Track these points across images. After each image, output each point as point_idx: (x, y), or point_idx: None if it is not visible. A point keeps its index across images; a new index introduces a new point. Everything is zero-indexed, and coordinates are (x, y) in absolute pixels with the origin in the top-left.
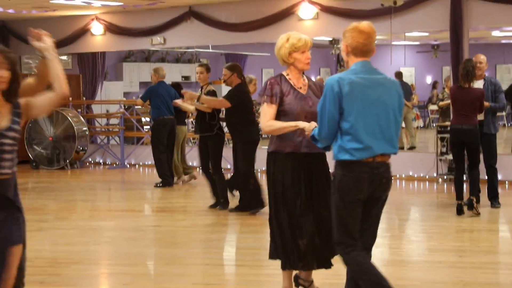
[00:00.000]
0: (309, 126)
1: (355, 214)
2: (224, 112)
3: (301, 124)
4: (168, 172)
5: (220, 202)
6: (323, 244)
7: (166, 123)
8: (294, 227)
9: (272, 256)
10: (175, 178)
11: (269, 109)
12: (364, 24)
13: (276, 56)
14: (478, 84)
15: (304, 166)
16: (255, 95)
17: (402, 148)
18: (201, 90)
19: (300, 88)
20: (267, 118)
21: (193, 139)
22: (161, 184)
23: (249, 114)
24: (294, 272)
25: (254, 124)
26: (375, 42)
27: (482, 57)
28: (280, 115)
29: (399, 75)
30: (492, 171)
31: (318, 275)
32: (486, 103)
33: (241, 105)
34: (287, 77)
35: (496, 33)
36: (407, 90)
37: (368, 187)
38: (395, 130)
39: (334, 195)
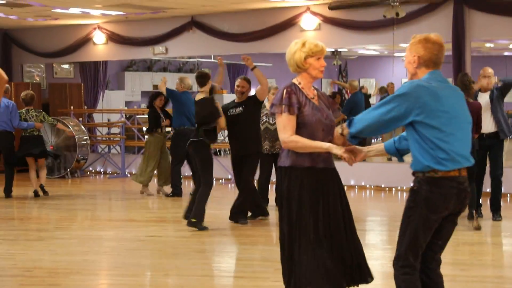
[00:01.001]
0: (341, 151)
1: (430, 232)
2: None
3: (334, 149)
4: (179, 182)
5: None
6: (350, 264)
7: (186, 134)
8: (316, 248)
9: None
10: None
11: (290, 121)
12: (435, 36)
13: (288, 62)
14: (485, 96)
15: (322, 181)
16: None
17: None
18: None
19: (313, 98)
20: (288, 131)
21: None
22: (171, 194)
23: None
24: None
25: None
26: (377, 53)
27: (490, 71)
28: (297, 128)
29: None
30: (496, 183)
31: None
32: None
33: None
34: (299, 86)
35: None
36: None
37: (454, 203)
38: (470, 142)
39: (414, 211)
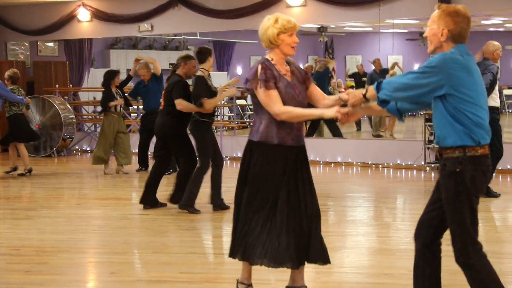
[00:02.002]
0: (333, 113)
1: (477, 214)
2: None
3: (327, 113)
4: (146, 158)
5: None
6: (308, 241)
7: (153, 116)
8: (271, 223)
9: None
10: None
11: (274, 94)
12: (464, 9)
13: (261, 38)
14: None
15: (288, 159)
16: None
17: (380, 136)
18: None
19: (285, 74)
20: (276, 103)
21: None
22: (139, 169)
23: None
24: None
25: None
26: (363, 29)
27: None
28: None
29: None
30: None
31: None
32: None
33: None
34: (272, 62)
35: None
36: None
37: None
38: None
39: (464, 194)
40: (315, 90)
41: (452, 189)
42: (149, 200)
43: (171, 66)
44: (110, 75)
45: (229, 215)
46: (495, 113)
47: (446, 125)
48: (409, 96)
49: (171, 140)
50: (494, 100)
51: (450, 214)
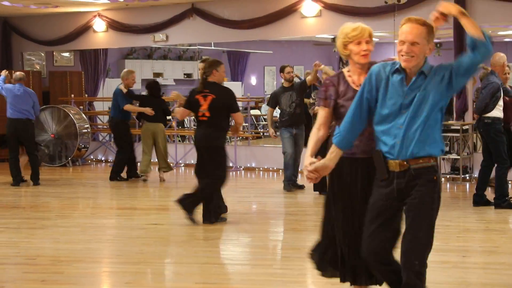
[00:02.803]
0: (308, 166)
1: None
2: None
3: (306, 160)
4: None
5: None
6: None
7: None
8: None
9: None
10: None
11: (322, 113)
12: None
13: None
14: None
15: (356, 172)
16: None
17: None
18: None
19: (358, 85)
20: (318, 123)
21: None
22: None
23: None
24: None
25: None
26: (378, 39)
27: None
28: (335, 119)
29: None
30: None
31: None
32: None
33: None
34: (346, 74)
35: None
36: None
37: None
38: None
39: (437, 202)
40: None
41: (433, 195)
42: (211, 215)
43: (185, 76)
44: (157, 85)
45: (243, 226)
46: (499, 124)
47: (437, 133)
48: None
49: (220, 152)
50: (499, 110)
51: (419, 219)
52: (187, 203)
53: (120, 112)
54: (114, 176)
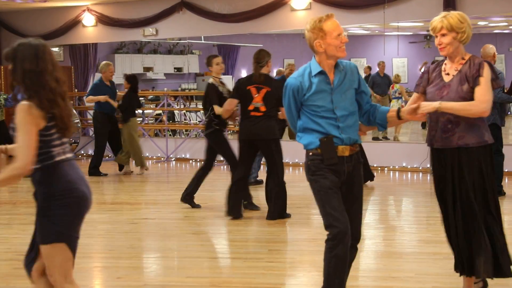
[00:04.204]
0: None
1: None
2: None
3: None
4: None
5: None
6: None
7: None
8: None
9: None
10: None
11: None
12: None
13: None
14: None
15: (441, 162)
16: None
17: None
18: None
19: (448, 74)
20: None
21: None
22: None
23: None
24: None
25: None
26: (368, 32)
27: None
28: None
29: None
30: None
31: None
32: None
33: None
34: (443, 62)
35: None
36: (389, 81)
37: None
38: None
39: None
40: (475, 92)
41: (361, 179)
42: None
43: (175, 70)
44: (135, 80)
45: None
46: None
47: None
48: None
49: (275, 146)
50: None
51: (359, 202)
52: (282, 212)
53: (97, 103)
54: (93, 171)
